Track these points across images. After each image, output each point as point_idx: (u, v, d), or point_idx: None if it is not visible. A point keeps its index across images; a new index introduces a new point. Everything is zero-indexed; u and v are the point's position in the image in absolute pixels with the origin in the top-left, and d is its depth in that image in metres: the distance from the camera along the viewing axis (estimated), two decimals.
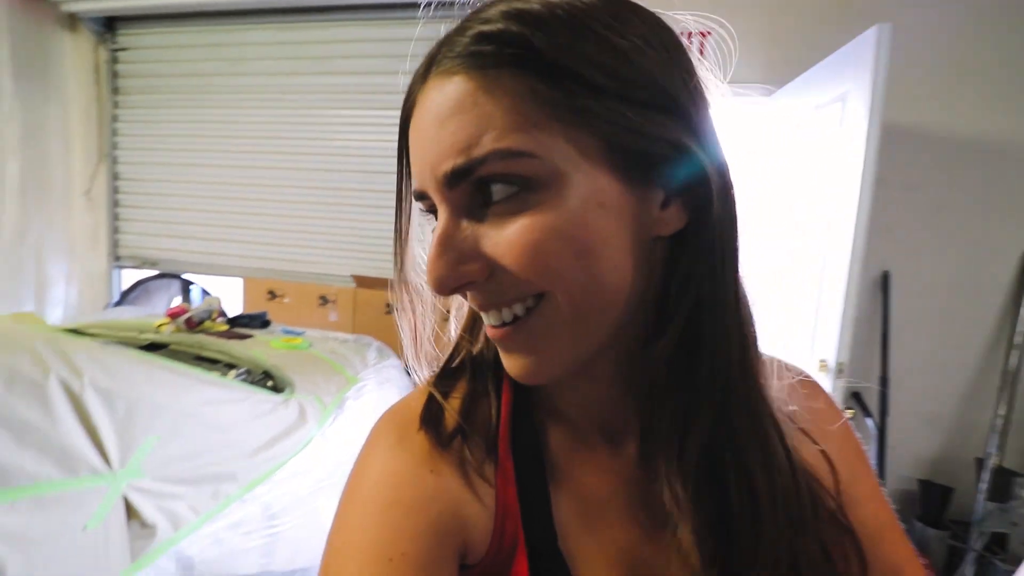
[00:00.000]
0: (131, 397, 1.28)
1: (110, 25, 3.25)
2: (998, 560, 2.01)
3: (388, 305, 0.49)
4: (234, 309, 2.55)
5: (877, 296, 2.26)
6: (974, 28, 2.12)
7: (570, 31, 0.35)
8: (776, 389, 0.45)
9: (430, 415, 0.45)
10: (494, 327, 0.41)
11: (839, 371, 1.76)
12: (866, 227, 1.69)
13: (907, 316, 2.25)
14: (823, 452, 0.48)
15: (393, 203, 0.46)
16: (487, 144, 0.35)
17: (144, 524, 1.15)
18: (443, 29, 0.39)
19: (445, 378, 0.49)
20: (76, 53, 3.23)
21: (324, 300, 2.89)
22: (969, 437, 2.23)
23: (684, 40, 0.41)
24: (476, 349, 0.50)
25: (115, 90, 3.32)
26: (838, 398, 1.80)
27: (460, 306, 0.51)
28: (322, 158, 3.03)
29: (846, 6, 2.17)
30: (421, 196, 0.40)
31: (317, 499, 1.53)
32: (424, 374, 0.50)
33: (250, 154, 3.14)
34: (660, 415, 0.41)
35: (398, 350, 0.51)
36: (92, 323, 2.20)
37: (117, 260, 3.43)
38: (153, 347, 1.94)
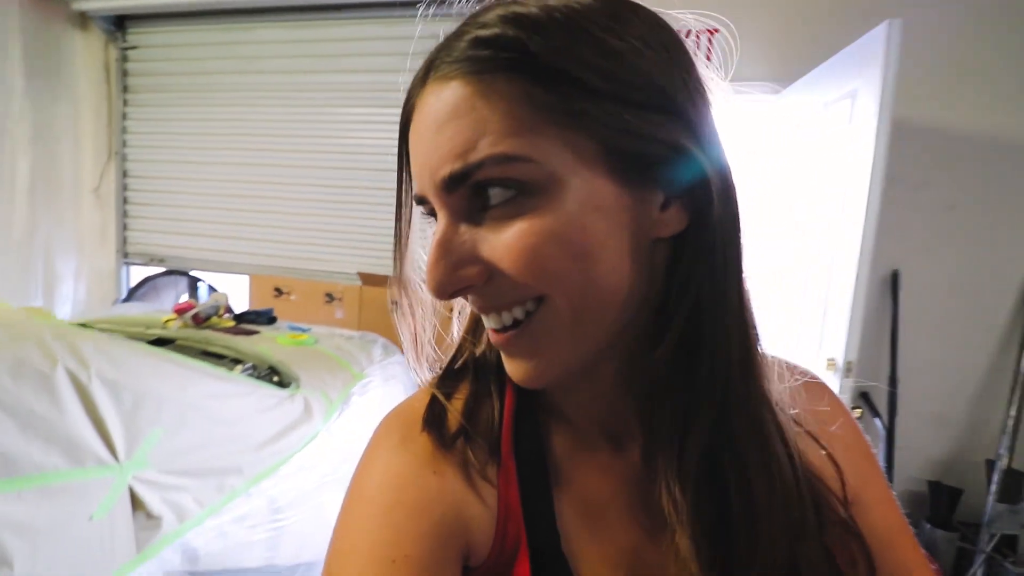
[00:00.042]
0: (138, 389, 1.28)
1: (120, 24, 3.28)
2: (1008, 563, 1.98)
3: (394, 303, 0.48)
4: (241, 306, 2.56)
5: (886, 295, 2.24)
6: (983, 25, 2.10)
7: (566, 34, 0.35)
8: (779, 391, 0.44)
9: (433, 416, 0.45)
10: (495, 331, 0.41)
11: (847, 370, 1.75)
12: (875, 225, 1.68)
13: (916, 315, 2.23)
14: (829, 455, 0.47)
15: None
16: (483, 149, 0.35)
17: (149, 515, 1.15)
18: (442, 32, 0.39)
19: (448, 379, 0.49)
20: (86, 52, 3.25)
21: (330, 297, 2.89)
22: (979, 438, 2.20)
23: (685, 39, 0.40)
24: (479, 351, 0.50)
25: (125, 88, 3.34)
26: (846, 398, 1.79)
27: (463, 307, 0.51)
28: (329, 156, 3.04)
29: (855, 4, 2.15)
30: (421, 200, 0.40)
31: (322, 494, 1.53)
32: (424, 376, 0.50)
33: (257, 152, 3.16)
34: (660, 416, 0.41)
35: (403, 347, 0.51)
36: (100, 319, 2.21)
37: (125, 257, 3.46)
38: (160, 342, 1.95)
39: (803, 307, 2.07)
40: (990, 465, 2.09)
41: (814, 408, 0.49)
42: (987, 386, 2.21)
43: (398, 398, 0.50)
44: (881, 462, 0.53)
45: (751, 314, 0.41)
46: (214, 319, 2.28)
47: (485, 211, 0.37)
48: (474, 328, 0.50)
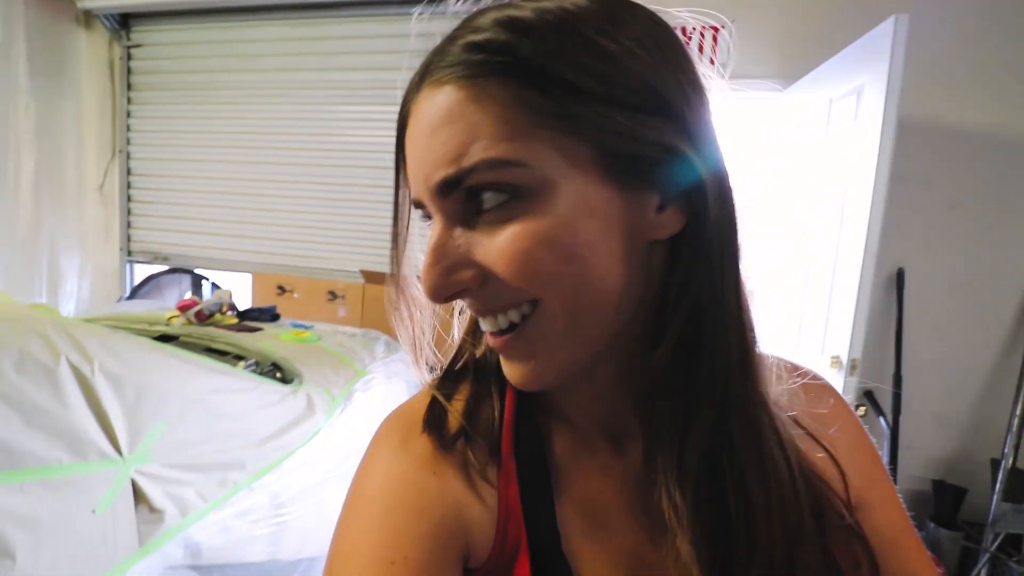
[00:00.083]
0: (141, 383, 1.28)
1: (124, 22, 3.28)
2: (1013, 562, 1.97)
3: (395, 308, 0.48)
4: (243, 304, 2.56)
5: (891, 293, 2.23)
6: (991, 21, 2.09)
7: (559, 37, 0.35)
8: (779, 393, 0.44)
9: (433, 418, 0.46)
10: (493, 335, 0.41)
11: (852, 368, 1.74)
12: (880, 222, 1.68)
13: (921, 314, 2.22)
14: (831, 456, 0.47)
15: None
16: (476, 154, 0.35)
17: (152, 509, 1.15)
18: (440, 33, 0.40)
19: (448, 380, 0.49)
20: (91, 50, 3.26)
21: (333, 295, 2.90)
22: (983, 437, 2.19)
23: (685, 37, 0.40)
24: (479, 352, 0.50)
25: (129, 86, 3.34)
26: (851, 396, 1.78)
27: (463, 309, 0.51)
28: (332, 154, 3.04)
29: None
30: (418, 204, 0.41)
31: (325, 489, 1.53)
32: (424, 376, 0.50)
33: (261, 150, 3.16)
34: (660, 417, 0.41)
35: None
36: (103, 315, 2.22)
37: (129, 255, 3.46)
38: (164, 339, 1.95)
39: (807, 305, 2.07)
40: (995, 464, 2.08)
41: (816, 409, 0.49)
42: (992, 385, 2.20)
43: (401, 395, 0.50)
44: (885, 461, 0.53)
45: (749, 315, 0.41)
46: (217, 316, 2.28)
47: (479, 215, 0.37)
48: (474, 329, 0.50)
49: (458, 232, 0.38)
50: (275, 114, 3.11)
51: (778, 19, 2.23)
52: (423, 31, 0.45)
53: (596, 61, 0.35)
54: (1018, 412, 2.08)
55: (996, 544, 1.99)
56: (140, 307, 2.66)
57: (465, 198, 0.37)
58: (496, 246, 0.36)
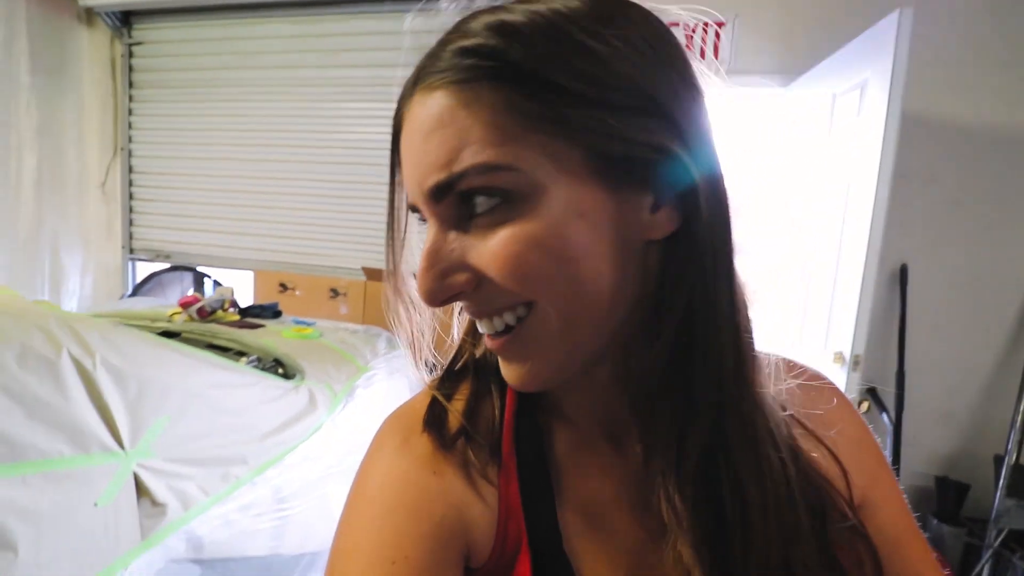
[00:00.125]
0: (143, 377, 1.28)
1: (126, 20, 3.27)
2: (1016, 558, 1.97)
3: (394, 313, 0.49)
4: (245, 301, 2.56)
5: (894, 290, 2.23)
6: (996, 16, 2.08)
7: (549, 41, 0.35)
8: (777, 392, 0.44)
9: (434, 417, 0.46)
10: (490, 337, 0.42)
11: (855, 364, 1.74)
12: (884, 218, 1.67)
13: (925, 310, 2.22)
14: (833, 455, 0.47)
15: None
16: (467, 159, 0.35)
17: (155, 503, 1.15)
18: (435, 35, 0.40)
19: (448, 380, 0.50)
20: (92, 47, 3.26)
21: (335, 292, 2.89)
22: (986, 433, 2.19)
23: (684, 35, 0.40)
24: (479, 352, 0.50)
25: (130, 84, 3.33)
26: (853, 392, 1.78)
27: (463, 310, 0.51)
28: (333, 151, 3.04)
29: None
30: (415, 208, 0.41)
31: (327, 484, 1.52)
32: (425, 378, 0.50)
33: (263, 147, 3.15)
34: (658, 417, 0.41)
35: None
36: (105, 312, 2.22)
37: (131, 253, 3.46)
38: (166, 335, 1.95)
39: (810, 301, 2.06)
40: (998, 460, 2.08)
41: (817, 407, 0.48)
42: (995, 381, 2.19)
43: (402, 391, 0.50)
44: (888, 457, 0.53)
45: (744, 315, 0.41)
46: (219, 313, 2.28)
47: (472, 219, 0.37)
48: (474, 330, 0.50)
49: (452, 236, 0.38)
50: (276, 111, 3.11)
51: (781, 15, 2.23)
52: (420, 29, 0.45)
53: (586, 64, 0.35)
54: (1021, 408, 2.07)
55: (999, 540, 1.99)
56: (142, 304, 2.66)
57: (458, 202, 0.37)
58: (489, 250, 0.37)
